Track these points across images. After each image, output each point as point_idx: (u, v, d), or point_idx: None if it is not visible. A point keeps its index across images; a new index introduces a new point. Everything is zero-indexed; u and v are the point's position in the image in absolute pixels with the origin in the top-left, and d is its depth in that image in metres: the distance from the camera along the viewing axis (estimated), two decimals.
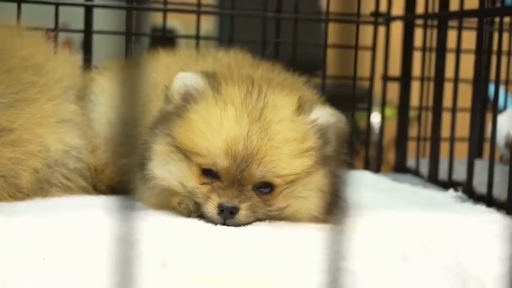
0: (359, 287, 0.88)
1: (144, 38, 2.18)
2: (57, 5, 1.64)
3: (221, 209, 1.10)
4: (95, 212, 1.13)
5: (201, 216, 1.14)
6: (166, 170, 1.16)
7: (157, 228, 1.09)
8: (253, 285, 0.88)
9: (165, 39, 1.85)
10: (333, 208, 1.15)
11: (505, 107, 2.06)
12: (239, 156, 1.10)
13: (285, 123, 1.13)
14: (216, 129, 1.11)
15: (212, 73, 1.20)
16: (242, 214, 1.11)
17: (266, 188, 1.13)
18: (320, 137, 1.16)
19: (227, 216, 1.10)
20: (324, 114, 1.16)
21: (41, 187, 1.30)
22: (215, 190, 1.12)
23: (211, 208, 1.11)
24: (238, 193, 1.11)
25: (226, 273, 0.91)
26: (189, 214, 1.16)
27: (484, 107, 1.99)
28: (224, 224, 1.11)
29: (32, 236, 1.02)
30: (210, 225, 1.13)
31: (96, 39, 1.69)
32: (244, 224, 1.12)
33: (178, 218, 1.16)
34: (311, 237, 1.06)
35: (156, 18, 1.82)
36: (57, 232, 1.03)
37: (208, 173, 1.13)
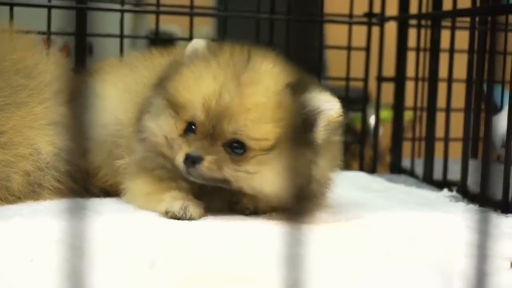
0: (338, 282, 0.88)
1: (142, 41, 2.19)
2: (49, 8, 1.64)
3: (187, 158, 1.14)
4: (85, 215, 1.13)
5: (190, 219, 1.18)
6: (156, 123, 1.22)
7: (143, 228, 1.11)
8: (238, 282, 0.88)
9: (162, 42, 1.85)
10: (303, 199, 1.15)
11: (501, 107, 2.05)
12: (213, 111, 1.14)
13: (262, 89, 1.15)
14: (198, 83, 1.17)
15: (220, 42, 1.28)
16: (205, 165, 1.14)
17: (239, 149, 1.15)
18: (306, 119, 1.15)
19: (189, 165, 1.14)
20: (318, 98, 1.16)
21: (33, 190, 1.30)
22: (188, 141, 1.17)
23: (179, 157, 1.16)
24: (207, 146, 1.15)
25: (211, 271, 0.91)
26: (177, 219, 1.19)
27: (479, 106, 1.99)
28: (188, 173, 1.16)
29: (21, 239, 1.03)
30: (191, 223, 1.15)
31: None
32: (207, 177, 1.16)
33: (162, 218, 1.19)
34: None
35: (161, 23, 1.81)
36: (46, 235, 1.03)
37: (190, 129, 1.18)
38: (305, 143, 1.16)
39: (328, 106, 1.15)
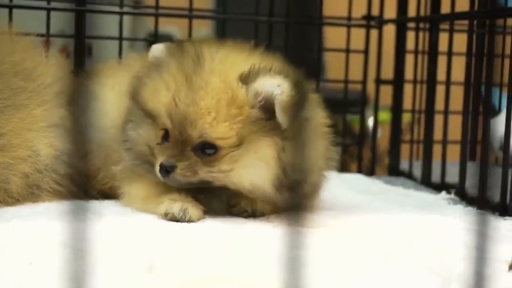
0: (336, 285, 0.88)
1: (141, 42, 2.19)
2: (48, 10, 1.64)
3: (161, 167, 1.17)
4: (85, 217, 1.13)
5: (189, 221, 1.18)
6: (137, 133, 1.25)
7: (142, 231, 1.11)
8: (237, 285, 0.88)
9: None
10: (286, 187, 1.16)
11: (499, 109, 2.06)
12: (175, 118, 1.16)
13: (211, 89, 1.15)
14: (156, 93, 1.18)
15: (181, 44, 1.26)
16: (178, 172, 1.16)
17: (210, 149, 1.16)
18: (263, 106, 1.14)
19: (164, 174, 1.17)
20: (269, 84, 1.14)
21: (32, 192, 1.30)
22: (162, 150, 1.19)
23: (156, 167, 1.18)
24: (178, 153, 1.17)
25: (210, 274, 0.91)
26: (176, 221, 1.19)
27: (477, 109, 1.99)
28: (167, 181, 1.18)
29: (20, 241, 1.03)
30: (190, 226, 1.16)
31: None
32: (183, 182, 1.18)
33: (160, 220, 1.20)
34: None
35: (160, 25, 1.82)
36: (45, 237, 1.03)
37: (166, 136, 1.19)
38: (273, 130, 1.15)
39: (279, 91, 1.12)
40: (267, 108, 1.14)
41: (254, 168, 1.16)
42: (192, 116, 1.14)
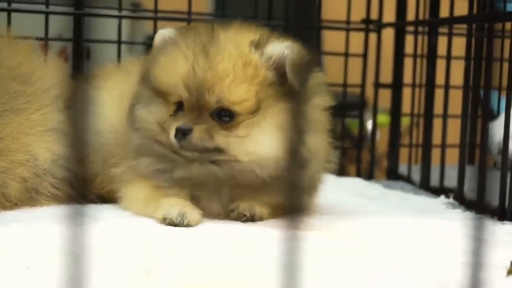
0: None
1: (139, 45, 2.19)
2: (47, 14, 1.64)
3: (177, 131, 1.18)
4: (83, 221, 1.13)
5: (187, 226, 1.18)
6: (148, 111, 1.26)
7: (140, 235, 1.11)
8: None
9: None
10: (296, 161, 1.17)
11: (498, 113, 2.06)
12: (192, 87, 1.19)
13: (227, 55, 1.19)
14: (173, 66, 1.22)
15: (187, 28, 1.33)
16: (195, 135, 1.18)
17: (227, 116, 1.19)
18: (276, 69, 1.20)
19: (180, 137, 1.18)
20: (279, 47, 1.20)
21: (30, 196, 1.30)
22: (177, 119, 1.21)
23: (171, 134, 1.19)
24: (196, 118, 1.19)
25: (208, 279, 0.91)
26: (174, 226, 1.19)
27: (476, 113, 1.99)
28: (181, 148, 1.19)
29: (18, 245, 1.03)
30: (188, 230, 1.16)
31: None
32: (200, 147, 1.18)
33: (160, 225, 1.19)
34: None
35: (159, 28, 1.83)
36: (43, 241, 1.03)
37: (179, 108, 1.22)
38: (288, 95, 1.19)
39: (289, 51, 1.18)
40: (280, 71, 1.19)
41: (270, 135, 1.18)
42: (210, 81, 1.18)
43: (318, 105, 1.27)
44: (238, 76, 1.18)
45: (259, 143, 1.19)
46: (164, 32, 1.29)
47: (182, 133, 1.18)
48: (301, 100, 1.17)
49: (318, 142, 1.25)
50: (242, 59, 1.19)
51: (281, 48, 1.19)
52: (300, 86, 1.17)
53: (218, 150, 1.19)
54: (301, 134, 1.15)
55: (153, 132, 1.25)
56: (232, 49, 1.20)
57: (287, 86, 1.18)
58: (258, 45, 1.21)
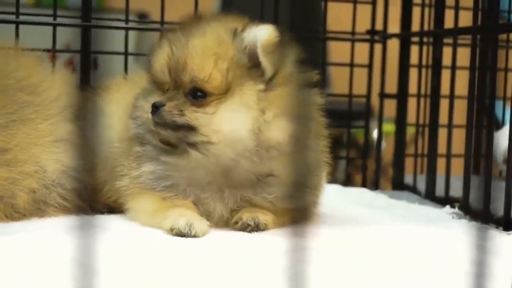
0: None
1: (145, 57, 2.20)
2: (54, 26, 1.65)
3: (152, 108, 1.25)
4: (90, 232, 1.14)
5: (195, 236, 1.19)
6: (145, 100, 1.31)
7: (148, 246, 1.12)
8: None
9: None
10: (265, 148, 1.22)
11: (503, 123, 2.06)
12: (172, 68, 1.26)
13: (203, 39, 1.25)
14: (159, 54, 1.29)
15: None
16: (165, 109, 1.24)
17: (201, 96, 1.23)
18: (249, 52, 1.23)
19: (154, 111, 1.24)
20: (254, 30, 1.23)
21: (38, 207, 1.30)
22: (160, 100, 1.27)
23: (149, 111, 1.26)
24: (172, 96, 1.25)
25: None
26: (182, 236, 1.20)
27: (481, 123, 2.00)
28: (156, 125, 1.25)
29: (26, 256, 1.03)
30: (196, 241, 1.17)
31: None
32: (170, 122, 1.23)
33: (167, 235, 1.20)
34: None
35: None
36: (52, 251, 1.04)
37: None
38: (259, 78, 1.23)
39: (261, 34, 1.21)
40: (252, 53, 1.22)
41: (236, 113, 1.21)
42: (182, 58, 1.24)
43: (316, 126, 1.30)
44: (207, 53, 1.23)
45: (225, 119, 1.22)
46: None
47: (154, 107, 1.24)
48: (274, 82, 1.22)
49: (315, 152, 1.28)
50: (214, 39, 1.24)
51: (255, 31, 1.22)
52: (272, 70, 1.21)
53: (190, 128, 1.23)
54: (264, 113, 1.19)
55: (148, 121, 1.28)
56: (209, 32, 1.26)
57: (260, 69, 1.22)
58: (236, 32, 1.24)
